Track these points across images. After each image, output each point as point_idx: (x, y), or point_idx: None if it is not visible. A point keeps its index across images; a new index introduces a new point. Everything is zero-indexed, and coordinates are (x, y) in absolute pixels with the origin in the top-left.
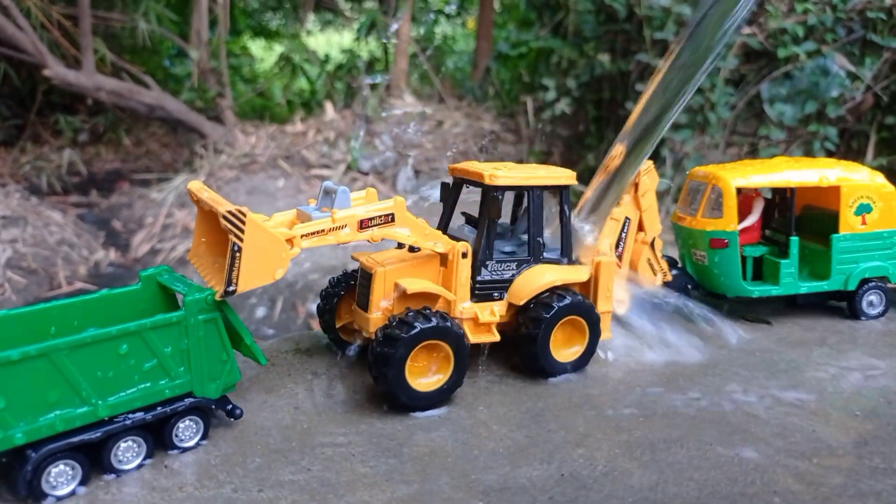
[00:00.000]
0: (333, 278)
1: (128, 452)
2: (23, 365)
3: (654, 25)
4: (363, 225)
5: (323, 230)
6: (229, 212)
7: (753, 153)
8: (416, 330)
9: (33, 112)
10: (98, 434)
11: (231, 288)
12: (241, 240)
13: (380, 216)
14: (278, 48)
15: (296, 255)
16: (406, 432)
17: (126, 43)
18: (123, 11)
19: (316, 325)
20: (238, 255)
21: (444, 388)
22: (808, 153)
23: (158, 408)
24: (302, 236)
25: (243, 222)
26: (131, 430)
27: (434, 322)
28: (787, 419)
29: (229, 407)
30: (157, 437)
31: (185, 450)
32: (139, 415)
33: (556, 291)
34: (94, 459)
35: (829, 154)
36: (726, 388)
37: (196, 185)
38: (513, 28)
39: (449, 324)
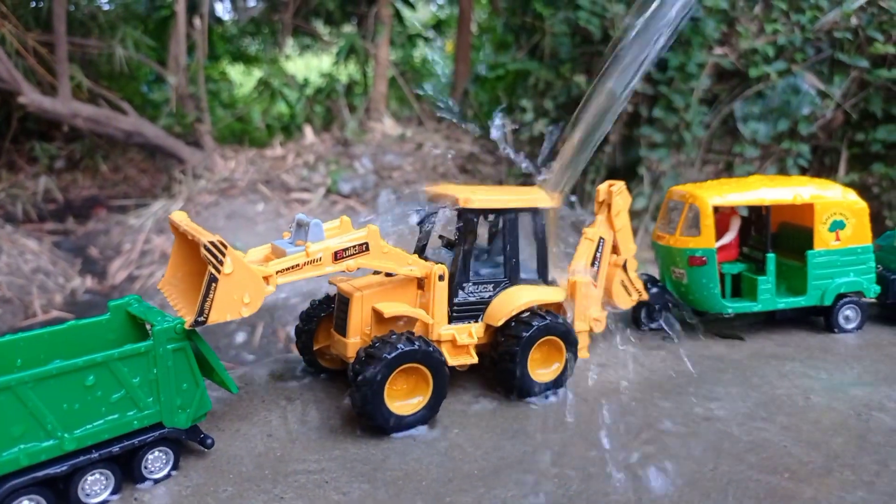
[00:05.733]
0: (315, 300)
1: (95, 486)
2: None
3: None
4: (338, 256)
5: (298, 265)
6: (211, 242)
7: (729, 170)
8: (397, 351)
9: (8, 139)
10: (64, 468)
11: (201, 318)
12: (219, 271)
13: (354, 246)
14: (257, 73)
15: (271, 293)
16: (380, 456)
17: (103, 69)
18: (100, 38)
19: (296, 350)
20: (214, 286)
21: (421, 412)
22: (782, 170)
23: (126, 439)
24: (277, 272)
25: (224, 254)
26: (99, 462)
27: (416, 346)
28: (759, 434)
29: (200, 436)
30: (126, 469)
31: (155, 481)
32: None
33: (534, 311)
34: (61, 494)
35: (803, 170)
36: (699, 404)
37: (179, 216)
38: (490, 51)
39: (431, 349)
